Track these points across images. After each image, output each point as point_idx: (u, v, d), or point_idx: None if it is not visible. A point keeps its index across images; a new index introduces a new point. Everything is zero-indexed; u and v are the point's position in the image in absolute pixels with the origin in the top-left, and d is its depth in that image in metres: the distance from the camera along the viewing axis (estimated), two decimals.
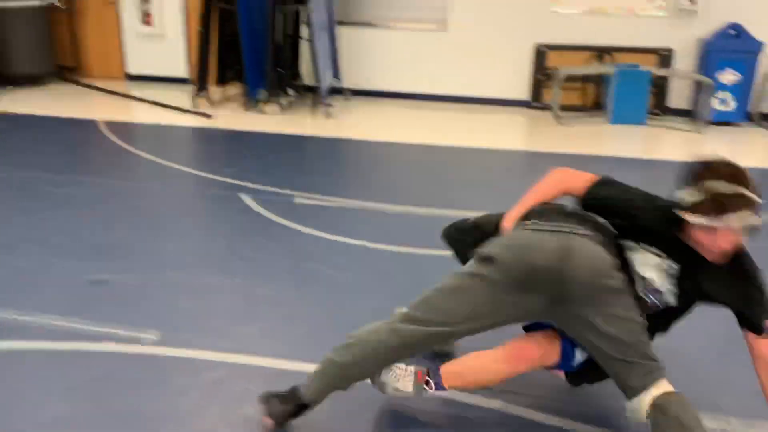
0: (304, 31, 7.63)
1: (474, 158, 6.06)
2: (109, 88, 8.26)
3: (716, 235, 1.96)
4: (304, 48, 7.81)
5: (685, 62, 7.80)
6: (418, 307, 2.09)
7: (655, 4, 7.75)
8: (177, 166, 5.33)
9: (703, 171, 2.02)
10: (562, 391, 2.46)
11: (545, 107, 8.01)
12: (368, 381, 2.26)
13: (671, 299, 2.11)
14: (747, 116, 7.70)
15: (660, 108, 7.91)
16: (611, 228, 2.19)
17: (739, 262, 2.04)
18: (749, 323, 2.03)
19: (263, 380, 2.52)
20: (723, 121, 7.57)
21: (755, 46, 7.30)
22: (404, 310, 2.13)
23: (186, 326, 2.91)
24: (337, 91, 8.00)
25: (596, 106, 7.99)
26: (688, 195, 2.00)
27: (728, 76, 7.44)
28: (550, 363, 2.25)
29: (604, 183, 2.24)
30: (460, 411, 2.40)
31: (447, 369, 2.26)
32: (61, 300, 3.10)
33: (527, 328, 2.36)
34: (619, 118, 7.46)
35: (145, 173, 5.27)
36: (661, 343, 2.19)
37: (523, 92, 8.22)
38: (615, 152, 6.46)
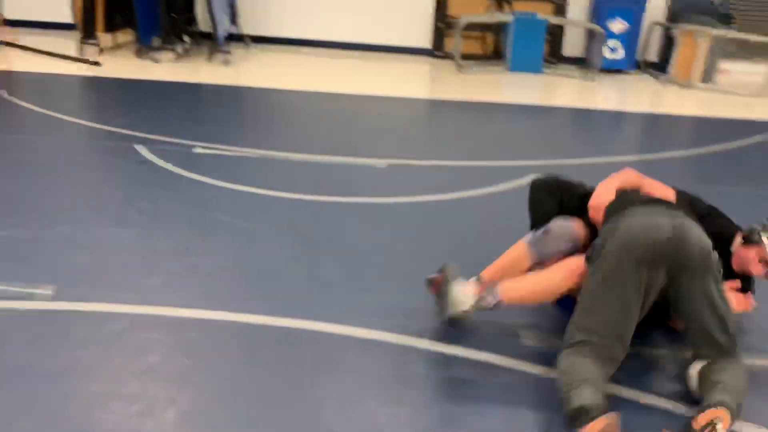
0: None
1: (377, 106, 6.06)
2: None
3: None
4: None
5: (578, 11, 8.06)
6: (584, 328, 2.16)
7: None
8: (66, 118, 5.03)
9: None
10: None
11: (447, 56, 8.09)
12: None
13: None
14: (635, 64, 8.08)
15: (555, 56, 8.16)
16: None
17: None
18: None
19: (168, 329, 2.48)
20: (613, 68, 7.92)
21: None
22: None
23: (83, 280, 2.80)
24: (235, 38, 7.75)
25: (496, 55, 8.15)
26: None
27: (617, 25, 7.75)
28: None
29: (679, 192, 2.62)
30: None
31: (505, 284, 2.35)
32: None
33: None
34: (517, 66, 7.65)
35: (31, 125, 4.95)
36: None
37: (425, 41, 8.26)
38: (514, 100, 6.64)
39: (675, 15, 7.84)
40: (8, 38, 7.55)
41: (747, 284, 2.56)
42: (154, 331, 2.48)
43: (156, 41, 7.01)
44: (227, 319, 2.58)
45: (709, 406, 1.98)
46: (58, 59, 6.90)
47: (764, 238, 2.39)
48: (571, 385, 2.02)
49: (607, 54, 7.83)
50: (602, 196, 2.53)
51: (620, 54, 7.87)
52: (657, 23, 7.97)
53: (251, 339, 2.47)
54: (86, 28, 7.03)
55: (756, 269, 2.41)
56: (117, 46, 7.42)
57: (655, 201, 2.45)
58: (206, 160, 4.31)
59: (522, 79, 7.46)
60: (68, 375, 2.22)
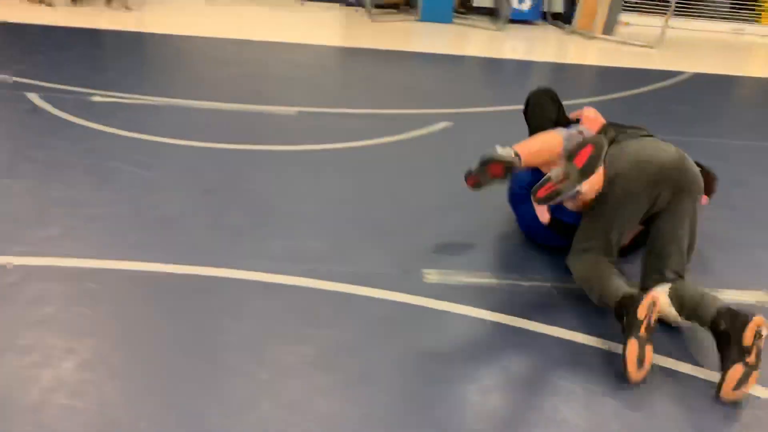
0: None
1: (287, 54, 5.93)
2: None
3: None
4: None
5: None
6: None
7: None
8: None
9: None
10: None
11: (358, 4, 7.98)
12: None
13: None
14: (542, 15, 8.24)
15: (465, 7, 8.21)
16: None
17: None
18: None
19: (66, 279, 2.39)
20: (521, 19, 8.04)
21: None
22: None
23: None
24: None
25: (407, 4, 8.11)
26: None
27: None
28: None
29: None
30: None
31: (518, 145, 2.57)
32: None
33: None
34: (428, 16, 7.66)
35: None
36: None
37: None
38: (425, 48, 6.65)
39: None
40: None
41: None
42: (51, 283, 2.38)
43: None
44: (128, 269, 2.50)
45: (738, 316, 2.05)
46: None
47: None
48: (601, 282, 2.32)
49: (516, 5, 7.95)
50: (594, 120, 2.84)
51: (527, 5, 8.00)
52: None
53: (154, 288, 2.41)
54: None
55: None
56: None
57: (642, 129, 2.65)
58: (105, 108, 4.12)
59: (432, 29, 7.47)
60: None
